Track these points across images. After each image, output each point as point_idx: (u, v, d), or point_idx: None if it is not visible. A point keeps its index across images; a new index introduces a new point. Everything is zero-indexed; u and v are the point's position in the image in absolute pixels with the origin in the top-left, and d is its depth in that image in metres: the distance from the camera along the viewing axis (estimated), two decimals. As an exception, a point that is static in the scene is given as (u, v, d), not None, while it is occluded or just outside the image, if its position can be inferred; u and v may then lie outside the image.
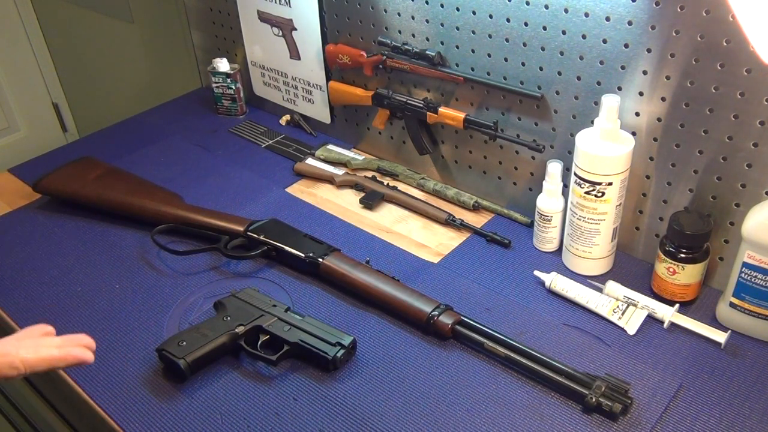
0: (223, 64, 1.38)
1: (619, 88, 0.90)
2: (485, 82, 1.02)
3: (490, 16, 0.97)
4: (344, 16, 1.17)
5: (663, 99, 0.87)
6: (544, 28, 0.92)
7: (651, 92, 0.87)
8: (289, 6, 1.23)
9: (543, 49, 0.94)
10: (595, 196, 0.89)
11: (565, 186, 0.99)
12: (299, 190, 1.20)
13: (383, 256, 1.03)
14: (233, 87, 1.40)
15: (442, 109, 1.09)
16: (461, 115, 1.06)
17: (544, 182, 0.98)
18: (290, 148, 1.31)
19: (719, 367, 0.83)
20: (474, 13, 0.99)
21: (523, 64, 0.97)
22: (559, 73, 0.94)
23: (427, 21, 1.05)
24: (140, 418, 0.78)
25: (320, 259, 0.96)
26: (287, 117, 1.40)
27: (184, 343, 0.83)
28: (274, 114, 1.43)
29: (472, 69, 1.04)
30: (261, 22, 1.30)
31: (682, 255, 0.87)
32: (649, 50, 0.85)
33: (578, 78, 0.93)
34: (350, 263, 0.95)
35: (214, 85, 1.41)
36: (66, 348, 0.68)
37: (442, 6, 1.02)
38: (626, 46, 0.86)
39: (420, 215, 1.12)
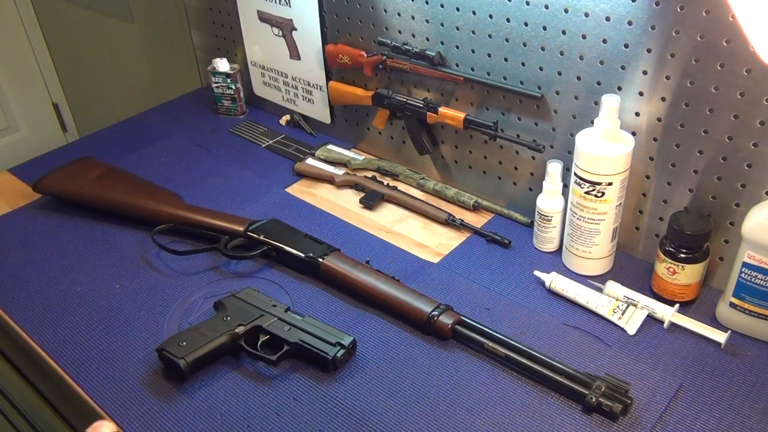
0: (223, 64, 1.38)
1: (619, 88, 0.90)
2: (485, 82, 1.02)
3: (490, 16, 0.97)
4: (344, 16, 1.17)
5: (663, 99, 0.87)
6: (544, 28, 0.92)
7: (651, 92, 0.87)
8: (289, 6, 1.23)
9: (543, 49, 0.94)
10: (595, 196, 0.89)
11: (565, 186, 0.99)
12: (299, 190, 1.20)
13: (383, 256, 1.03)
14: (233, 87, 1.40)
15: (442, 109, 1.09)
16: (461, 115, 1.06)
17: (544, 182, 0.98)
18: (290, 148, 1.31)
19: (719, 367, 0.83)
20: (474, 13, 0.99)
21: (523, 64, 0.97)
22: (559, 73, 0.94)
23: (427, 21, 1.05)
24: (140, 418, 0.78)
25: (320, 259, 0.96)
26: (287, 117, 1.40)
27: (184, 343, 0.83)
28: (274, 114, 1.43)
29: (472, 69, 1.04)
30: (261, 22, 1.30)
31: (682, 255, 0.87)
32: (649, 50, 0.85)
33: (578, 78, 0.93)
34: (350, 263, 0.95)
35: (214, 85, 1.41)
36: None
37: (442, 6, 1.02)
38: (626, 46, 0.86)
39: (420, 215, 1.12)
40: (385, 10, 1.10)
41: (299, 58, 1.29)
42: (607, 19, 0.86)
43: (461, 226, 1.08)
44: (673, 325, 0.88)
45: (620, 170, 0.88)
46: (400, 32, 1.10)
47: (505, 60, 0.99)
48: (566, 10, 0.89)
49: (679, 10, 0.80)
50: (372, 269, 0.94)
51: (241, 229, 1.03)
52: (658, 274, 0.91)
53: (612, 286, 0.92)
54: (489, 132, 1.04)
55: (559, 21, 0.90)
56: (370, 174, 1.22)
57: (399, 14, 1.09)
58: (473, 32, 1.00)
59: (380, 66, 1.14)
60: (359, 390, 0.81)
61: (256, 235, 1.02)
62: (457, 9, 1.00)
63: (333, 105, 1.30)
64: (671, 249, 0.88)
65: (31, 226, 1.11)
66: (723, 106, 0.82)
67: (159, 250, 1.04)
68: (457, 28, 1.02)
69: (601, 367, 0.83)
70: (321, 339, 0.83)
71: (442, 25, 1.04)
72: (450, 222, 1.08)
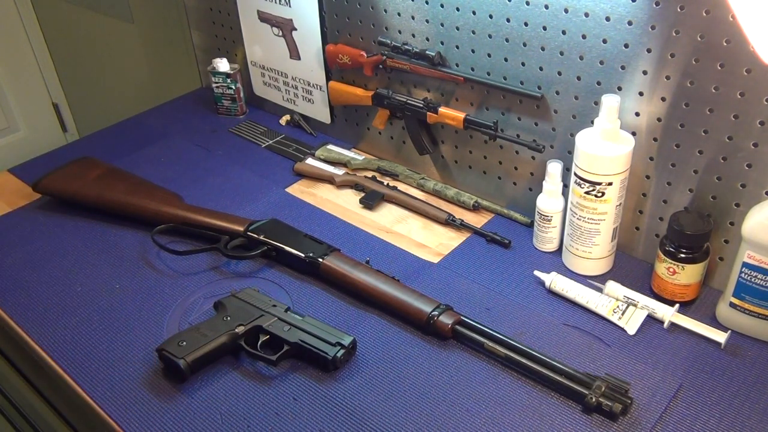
0: (223, 64, 1.38)
1: (619, 88, 0.90)
2: (485, 82, 1.02)
3: (490, 16, 0.97)
4: (344, 16, 1.17)
5: (663, 99, 0.87)
6: (544, 28, 0.92)
7: (651, 92, 0.87)
8: (289, 6, 1.23)
9: (543, 49, 0.94)
10: (595, 196, 0.89)
11: (565, 186, 0.99)
12: (299, 190, 1.20)
13: (383, 256, 1.03)
14: (233, 87, 1.40)
15: (442, 109, 1.09)
16: (461, 115, 1.06)
17: (544, 182, 0.98)
18: (290, 148, 1.31)
19: (719, 367, 0.83)
20: (474, 13, 0.99)
21: (523, 64, 0.97)
22: (559, 73, 0.94)
23: (427, 21, 1.05)
24: (140, 418, 0.78)
25: (320, 259, 0.96)
26: (287, 117, 1.40)
27: (184, 343, 0.83)
28: (274, 114, 1.43)
29: (472, 69, 1.04)
30: (261, 22, 1.30)
31: (682, 255, 0.87)
32: (649, 50, 0.85)
33: (578, 78, 0.93)
34: (350, 263, 0.95)
35: (214, 85, 1.41)
36: None
37: (442, 6, 1.02)
38: (626, 46, 0.86)
39: (420, 215, 1.12)
40: (385, 10, 1.10)
41: (299, 58, 1.29)
42: (607, 19, 0.86)
43: (461, 226, 1.08)
44: (673, 325, 0.88)
45: (620, 170, 0.88)
46: (400, 32, 1.10)
47: (505, 60, 0.99)
48: (566, 10, 0.89)
49: (679, 10, 0.80)
50: (372, 269, 0.94)
51: (241, 229, 1.03)
52: (658, 274, 0.91)
53: (612, 286, 0.92)
54: (489, 132, 1.04)
55: (559, 21, 0.90)
56: (370, 174, 1.22)
57: (399, 14, 1.09)
58: (473, 32, 1.00)
59: (380, 66, 1.14)
60: (359, 390, 0.81)
61: (256, 235, 1.02)
62: (457, 9, 1.00)
63: (333, 105, 1.30)
64: (671, 249, 0.88)
65: (31, 226, 1.11)
66: (723, 106, 0.82)
67: (159, 250, 1.04)
68: (457, 28, 1.02)
69: (601, 367, 0.83)
70: (321, 339, 0.83)
71: (442, 25, 1.04)
72: (450, 222, 1.08)
